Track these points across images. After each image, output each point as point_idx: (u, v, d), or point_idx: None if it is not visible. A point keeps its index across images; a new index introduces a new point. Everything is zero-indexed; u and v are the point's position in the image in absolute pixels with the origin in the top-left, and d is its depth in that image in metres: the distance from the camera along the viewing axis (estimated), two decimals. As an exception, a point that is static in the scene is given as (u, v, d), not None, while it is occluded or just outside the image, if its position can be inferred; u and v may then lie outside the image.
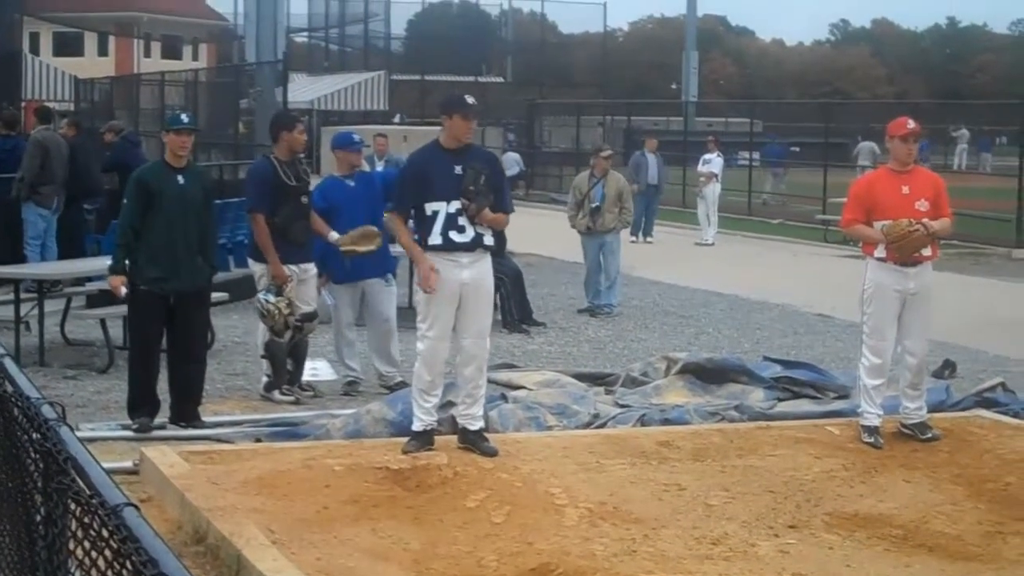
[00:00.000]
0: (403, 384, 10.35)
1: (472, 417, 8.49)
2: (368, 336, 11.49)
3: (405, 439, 8.44)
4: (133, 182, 9.66)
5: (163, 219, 9.41)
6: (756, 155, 37.89)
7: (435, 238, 8.34)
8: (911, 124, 9.12)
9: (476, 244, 8.38)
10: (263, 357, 10.76)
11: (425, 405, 8.44)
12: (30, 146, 15.35)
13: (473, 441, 8.41)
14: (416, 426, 8.45)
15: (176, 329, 9.59)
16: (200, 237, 9.62)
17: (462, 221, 8.33)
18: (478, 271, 8.42)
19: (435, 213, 8.35)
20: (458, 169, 8.36)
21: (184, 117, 9.98)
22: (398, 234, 8.78)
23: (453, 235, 8.33)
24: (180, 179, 9.53)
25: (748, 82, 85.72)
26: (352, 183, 11.18)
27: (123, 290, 9.48)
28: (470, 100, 8.60)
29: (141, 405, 9.52)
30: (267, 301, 10.45)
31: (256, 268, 10.74)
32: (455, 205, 8.32)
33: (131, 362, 9.73)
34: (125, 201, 9.55)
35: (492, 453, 8.30)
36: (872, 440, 8.96)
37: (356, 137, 11.84)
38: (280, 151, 10.77)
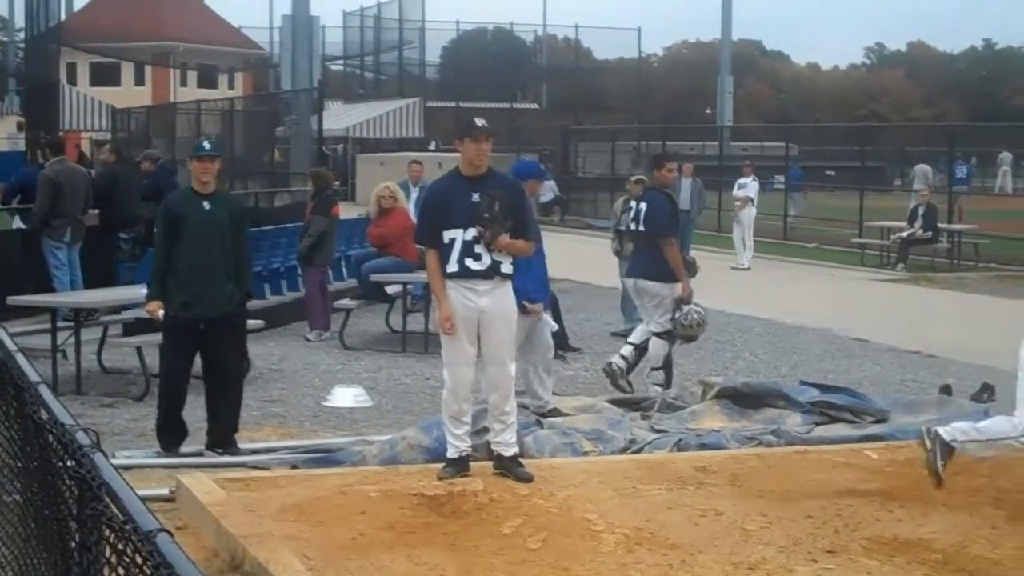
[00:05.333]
0: (557, 411, 10.63)
1: (505, 444, 8.47)
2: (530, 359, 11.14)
3: (440, 465, 8.44)
4: (160, 211, 9.89)
5: (188, 245, 9.52)
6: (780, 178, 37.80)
7: (452, 266, 8.34)
8: None
9: (493, 272, 8.34)
10: (658, 369, 11.88)
11: (456, 432, 8.43)
12: (40, 183, 15.30)
13: (508, 467, 8.38)
14: (450, 453, 8.44)
15: (208, 354, 9.69)
16: (231, 262, 9.65)
17: (479, 249, 8.31)
18: (496, 299, 8.38)
19: (452, 241, 8.34)
20: (475, 196, 8.33)
21: (206, 144, 10.08)
22: (428, 271, 8.68)
23: (469, 263, 8.31)
24: (206, 205, 9.60)
25: (783, 106, 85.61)
26: None
27: (160, 313, 9.57)
28: (479, 123, 8.51)
29: (166, 431, 9.63)
30: (701, 311, 11.99)
31: (664, 289, 11.86)
32: (471, 232, 8.31)
33: (159, 388, 9.85)
34: (155, 230, 9.69)
35: (528, 479, 8.27)
36: None
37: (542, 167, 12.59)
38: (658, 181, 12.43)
